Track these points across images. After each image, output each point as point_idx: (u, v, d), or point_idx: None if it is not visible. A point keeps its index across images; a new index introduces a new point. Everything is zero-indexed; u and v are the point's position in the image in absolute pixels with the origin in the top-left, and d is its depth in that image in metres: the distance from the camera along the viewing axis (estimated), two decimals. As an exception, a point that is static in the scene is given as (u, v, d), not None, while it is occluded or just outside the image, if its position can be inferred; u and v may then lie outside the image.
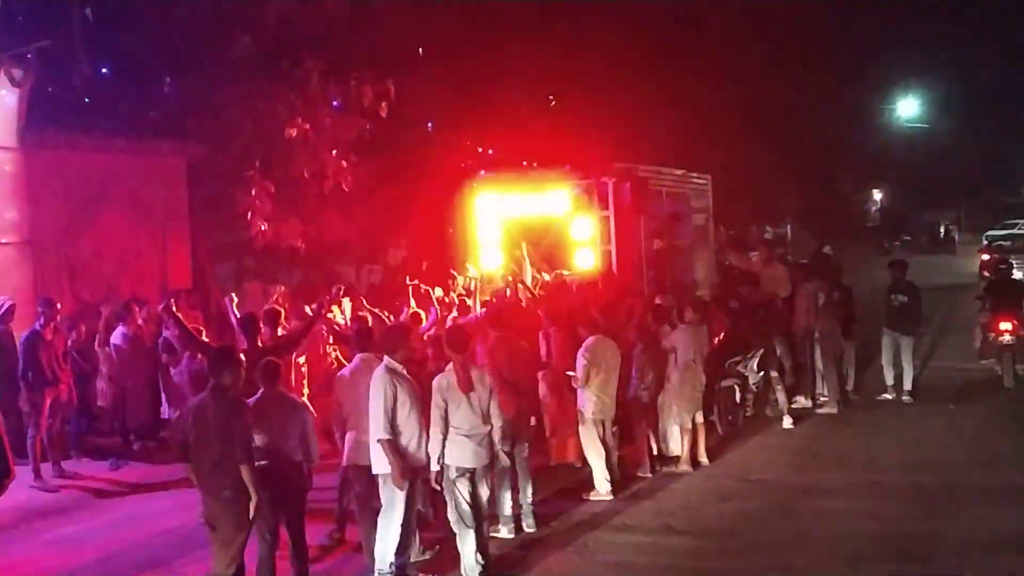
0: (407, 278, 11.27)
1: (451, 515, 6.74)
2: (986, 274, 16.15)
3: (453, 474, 6.62)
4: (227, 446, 5.90)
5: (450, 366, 6.81)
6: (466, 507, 6.64)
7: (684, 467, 9.47)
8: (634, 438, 9.45)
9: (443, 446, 6.60)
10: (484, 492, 6.85)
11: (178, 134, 13.99)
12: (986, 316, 13.17)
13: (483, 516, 6.88)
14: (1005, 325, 12.65)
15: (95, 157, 12.86)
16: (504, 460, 7.67)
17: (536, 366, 8.94)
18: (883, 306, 12.63)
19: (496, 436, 6.88)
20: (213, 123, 14.08)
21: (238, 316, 9.04)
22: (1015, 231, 44.22)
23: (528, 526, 7.85)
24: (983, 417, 11.30)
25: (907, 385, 12.19)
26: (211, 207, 14.80)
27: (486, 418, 6.75)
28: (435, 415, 6.62)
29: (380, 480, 6.66)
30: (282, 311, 9.54)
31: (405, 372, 6.71)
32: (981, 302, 13.73)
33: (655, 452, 9.60)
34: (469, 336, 7.27)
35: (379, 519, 6.67)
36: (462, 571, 6.69)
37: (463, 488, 6.65)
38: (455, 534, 6.75)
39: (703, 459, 9.60)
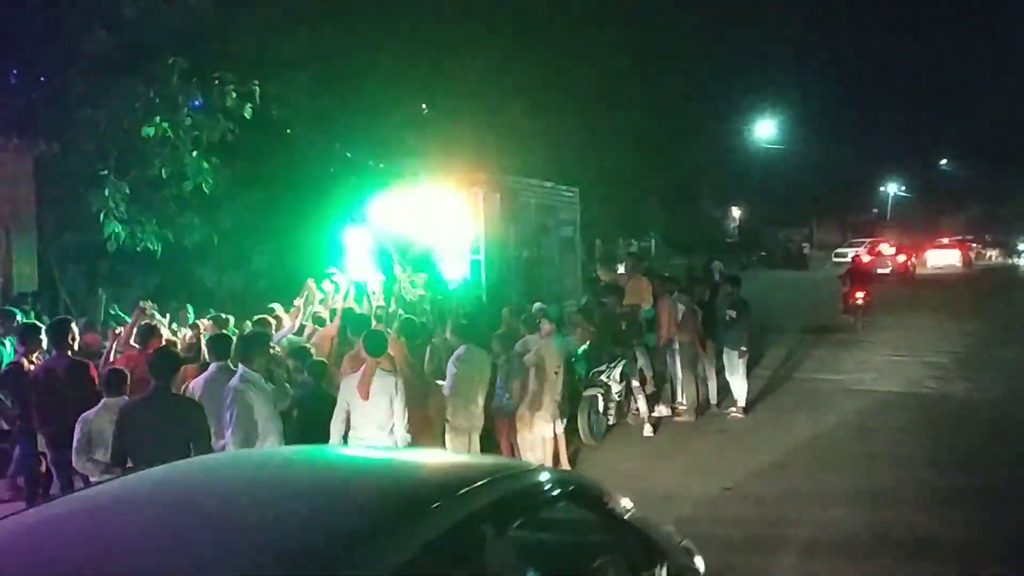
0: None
1: None
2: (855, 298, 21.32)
3: None
4: (179, 447, 5.67)
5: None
6: None
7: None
8: (498, 447, 9.53)
9: None
10: None
11: (25, 129, 13.29)
12: (846, 288, 21.34)
13: None
14: (859, 293, 20.94)
15: (-68, 150, 12.11)
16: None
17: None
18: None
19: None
20: (64, 119, 13.44)
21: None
22: (858, 251, 47.18)
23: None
24: (833, 424, 11.91)
25: (740, 401, 12.46)
26: (61, 207, 14.12)
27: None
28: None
29: None
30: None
31: (263, 382, 6.57)
32: (841, 280, 22.18)
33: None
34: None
35: None
36: None
37: None
38: None
39: (565, 467, 9.77)
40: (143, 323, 8.78)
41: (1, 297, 12.79)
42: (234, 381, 6.46)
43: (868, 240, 49.42)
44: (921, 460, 9.99)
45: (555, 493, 3.59)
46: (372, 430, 6.65)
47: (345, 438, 6.85)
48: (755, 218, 54.54)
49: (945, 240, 51.37)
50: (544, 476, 3.68)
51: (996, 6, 55.64)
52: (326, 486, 3.23)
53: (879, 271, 38.01)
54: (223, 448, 6.32)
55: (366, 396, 6.81)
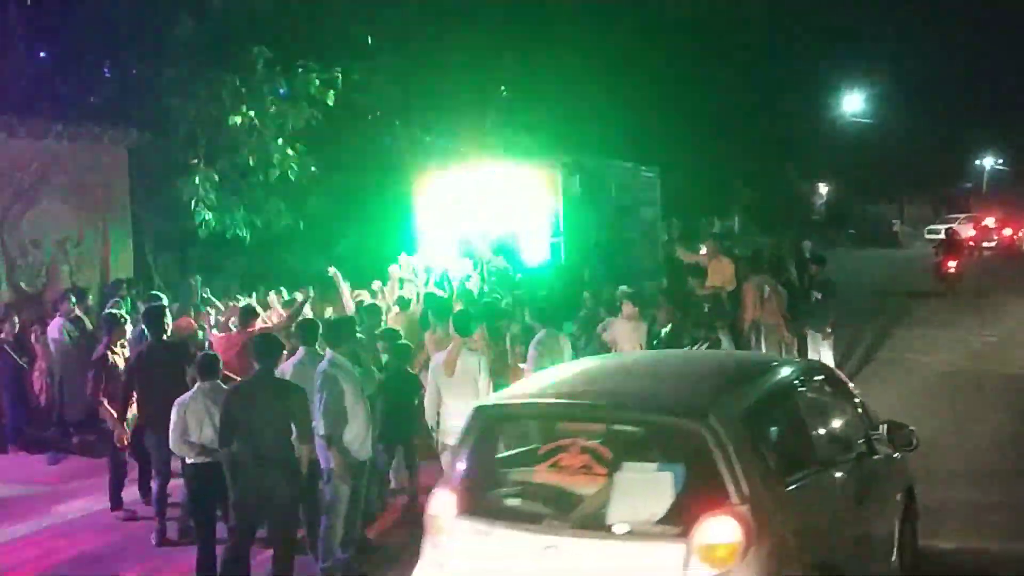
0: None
1: None
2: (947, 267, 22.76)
3: None
4: (283, 427, 5.92)
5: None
6: None
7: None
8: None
9: None
10: None
11: (119, 120, 13.74)
12: (940, 258, 22.89)
13: None
14: (951, 263, 22.41)
15: (33, 143, 12.57)
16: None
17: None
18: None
19: None
20: (155, 110, 13.87)
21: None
22: (953, 226, 45.73)
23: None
24: (923, 406, 11.51)
25: None
26: (153, 195, 14.57)
27: None
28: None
29: (324, 475, 6.62)
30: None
31: (350, 366, 6.68)
32: (935, 251, 24.04)
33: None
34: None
35: (325, 515, 6.62)
36: None
37: None
38: None
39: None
40: (244, 304, 9.04)
41: (100, 283, 13.26)
42: (323, 366, 6.57)
43: (962, 215, 47.69)
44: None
45: (817, 374, 6.12)
46: (459, 405, 6.73)
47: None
48: (843, 194, 53.07)
49: None
50: (810, 364, 7.24)
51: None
52: (706, 365, 6.08)
53: (985, 244, 40.49)
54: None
55: (451, 373, 7.08)
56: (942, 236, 29.20)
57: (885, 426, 5.67)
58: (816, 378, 5.94)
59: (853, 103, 47.31)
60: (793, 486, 4.53)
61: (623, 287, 10.86)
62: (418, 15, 17.37)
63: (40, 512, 8.36)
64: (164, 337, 7.92)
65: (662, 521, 4.27)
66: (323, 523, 6.60)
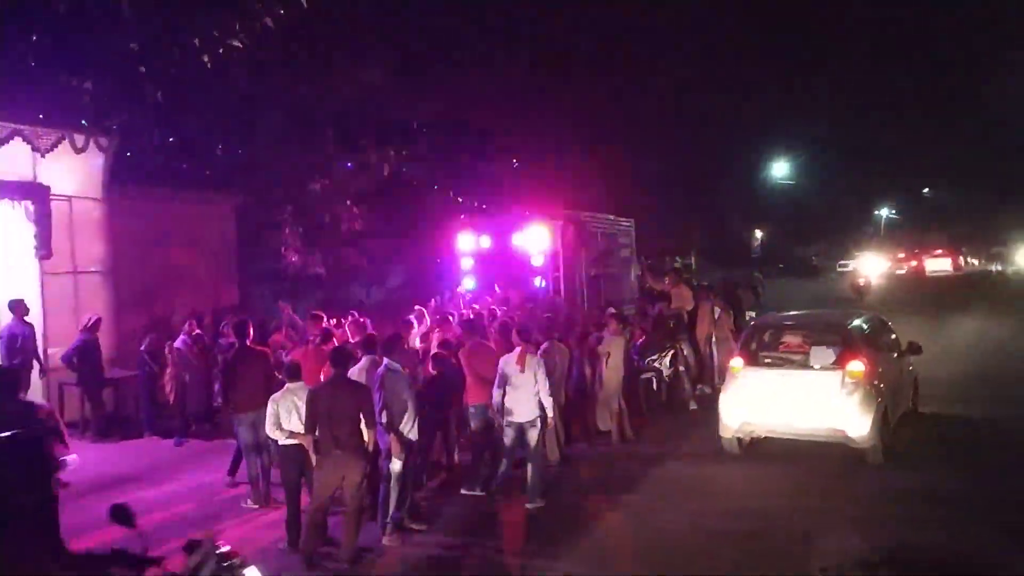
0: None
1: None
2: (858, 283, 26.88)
3: None
4: (353, 418, 5.96)
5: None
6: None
7: (614, 439, 9.56)
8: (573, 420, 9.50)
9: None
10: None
11: (227, 187, 13.93)
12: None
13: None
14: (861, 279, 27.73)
15: (163, 205, 12.76)
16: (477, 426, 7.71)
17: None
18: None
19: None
20: (254, 179, 14.07)
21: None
22: (856, 260, 46.56)
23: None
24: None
25: None
26: (253, 243, 14.74)
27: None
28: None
29: (383, 454, 6.66)
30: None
31: (401, 369, 6.72)
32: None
33: (593, 430, 9.68)
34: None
35: (383, 483, 6.62)
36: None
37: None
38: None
39: (628, 434, 9.70)
40: (322, 327, 9.07)
41: (212, 309, 13.38)
42: (381, 370, 6.61)
43: (864, 253, 48.42)
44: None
45: (879, 319, 9.46)
46: (525, 392, 7.23)
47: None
48: (775, 237, 53.06)
49: (939, 251, 53.51)
50: (876, 314, 9.96)
51: (975, 50, 53.03)
52: (840, 313, 10.22)
53: (897, 272, 46.18)
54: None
55: (523, 369, 7.24)
56: (849, 271, 35.30)
57: (908, 343, 9.42)
58: (879, 319, 9.67)
59: (780, 169, 47.49)
60: (879, 356, 8.50)
61: (609, 309, 10.88)
62: (448, 105, 17.57)
63: (167, 481, 8.43)
64: (248, 343, 7.92)
65: (832, 364, 8.15)
66: (382, 490, 6.63)
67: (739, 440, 8.57)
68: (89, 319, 10.35)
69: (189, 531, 4.06)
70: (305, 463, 6.39)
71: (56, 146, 10.71)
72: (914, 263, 50.20)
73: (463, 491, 7.65)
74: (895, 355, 9.17)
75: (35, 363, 10.11)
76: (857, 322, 8.91)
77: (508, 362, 7.37)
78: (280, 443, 6.63)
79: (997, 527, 6.29)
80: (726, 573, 5.77)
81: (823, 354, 8.21)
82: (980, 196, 54.83)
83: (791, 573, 5.69)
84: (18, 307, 9.95)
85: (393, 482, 6.55)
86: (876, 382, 8.08)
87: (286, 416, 6.54)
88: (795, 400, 8.11)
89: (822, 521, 6.58)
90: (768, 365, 8.48)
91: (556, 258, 13.68)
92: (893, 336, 9.58)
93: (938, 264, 50.00)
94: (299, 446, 6.37)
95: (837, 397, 7.91)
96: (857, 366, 7.96)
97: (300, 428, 6.33)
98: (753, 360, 8.58)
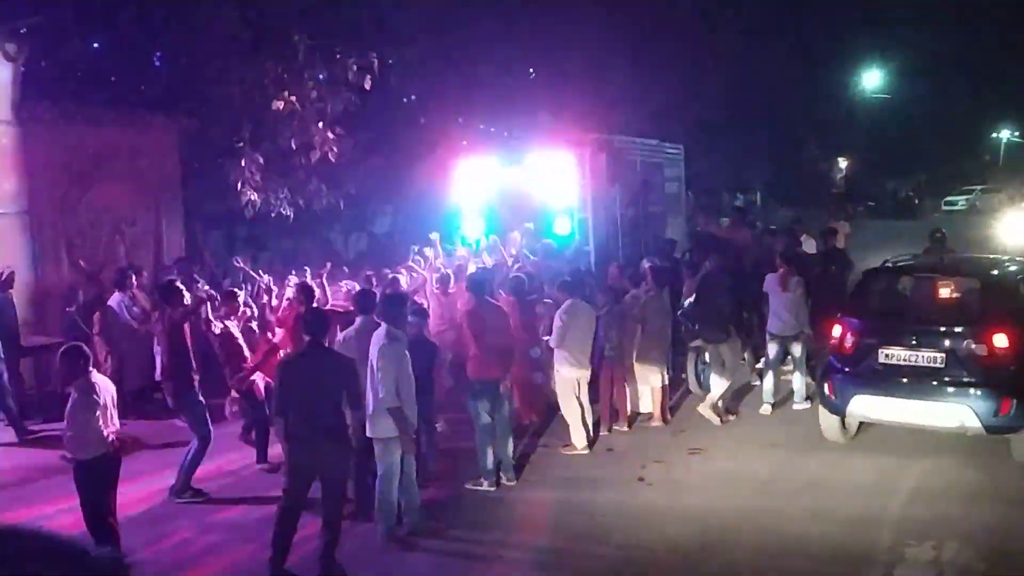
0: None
1: None
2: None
3: None
4: (333, 395, 5.98)
5: None
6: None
7: (656, 423, 9.60)
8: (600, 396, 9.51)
9: None
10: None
11: (169, 107, 13.83)
12: None
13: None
14: None
15: (89, 130, 12.70)
16: (484, 417, 7.77)
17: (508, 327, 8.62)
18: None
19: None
20: (203, 97, 13.94)
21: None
22: (970, 197, 45.34)
23: (508, 479, 7.96)
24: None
25: None
26: (202, 178, 14.69)
27: None
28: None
29: (380, 445, 6.59)
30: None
31: (402, 336, 6.72)
32: None
33: (629, 410, 9.70)
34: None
35: (378, 484, 6.65)
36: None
37: None
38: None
39: (667, 417, 9.73)
40: (301, 282, 9.18)
41: (154, 262, 13.44)
42: (381, 338, 6.55)
43: (979, 187, 46.93)
44: None
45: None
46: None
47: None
48: (863, 169, 52.25)
49: None
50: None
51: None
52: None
53: None
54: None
55: None
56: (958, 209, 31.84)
57: None
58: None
59: (872, 80, 46.46)
60: None
61: (646, 260, 10.81)
62: (450, 5, 17.27)
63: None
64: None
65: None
66: (377, 489, 6.64)
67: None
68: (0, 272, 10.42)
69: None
70: None
71: (-49, 55, 10.67)
72: None
73: (468, 486, 7.78)
74: None
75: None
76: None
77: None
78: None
79: None
80: None
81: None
82: None
83: None
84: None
85: (387, 481, 6.58)
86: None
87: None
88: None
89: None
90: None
91: (584, 194, 13.54)
92: None
93: None
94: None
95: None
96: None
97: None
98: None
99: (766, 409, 9.99)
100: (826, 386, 8.42)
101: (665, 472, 8.15)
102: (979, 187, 47.29)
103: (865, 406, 8.11)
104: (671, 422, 9.70)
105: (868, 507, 7.07)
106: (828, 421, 8.59)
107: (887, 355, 8.03)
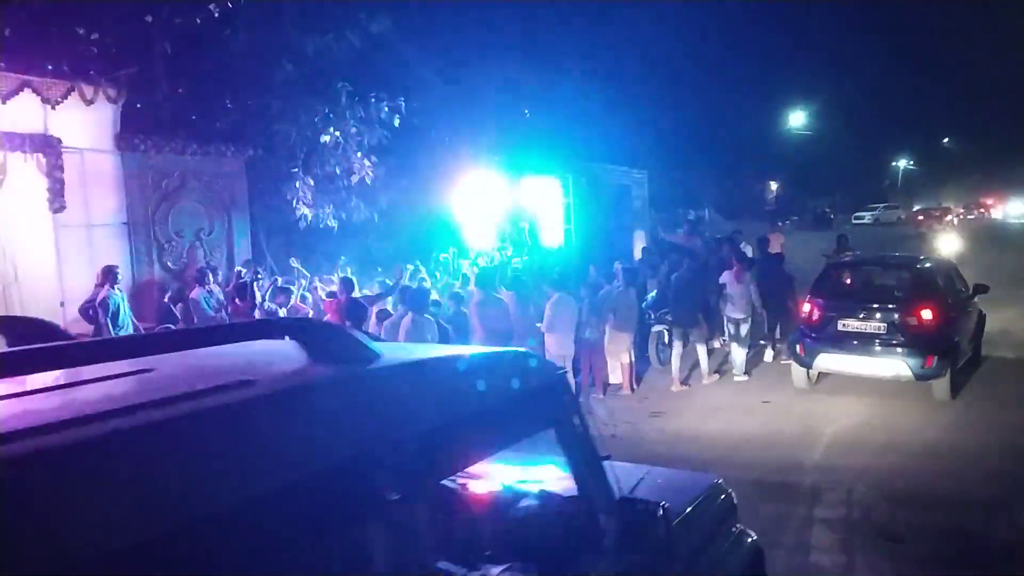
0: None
1: None
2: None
3: None
4: None
5: None
6: None
7: (624, 391, 9.62)
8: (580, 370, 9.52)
9: None
10: None
11: (238, 141, 13.81)
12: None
13: None
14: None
15: (175, 158, 12.65)
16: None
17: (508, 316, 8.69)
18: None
19: None
20: (266, 132, 13.94)
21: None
22: (874, 212, 45.68)
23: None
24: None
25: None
26: (265, 196, 14.67)
27: None
28: None
29: None
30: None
31: (431, 321, 6.75)
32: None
33: (606, 381, 9.73)
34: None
35: None
36: None
37: None
38: None
39: (633, 387, 9.75)
40: (343, 276, 9.16)
41: (226, 263, 13.41)
42: (408, 320, 6.56)
43: (882, 205, 47.34)
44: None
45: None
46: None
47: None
48: (789, 190, 52.27)
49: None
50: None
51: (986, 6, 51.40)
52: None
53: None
54: None
55: None
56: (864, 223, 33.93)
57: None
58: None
59: (797, 119, 46.60)
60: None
61: (618, 262, 10.81)
62: (461, 57, 17.24)
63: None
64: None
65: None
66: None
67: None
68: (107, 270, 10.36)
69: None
70: None
71: (66, 97, 10.63)
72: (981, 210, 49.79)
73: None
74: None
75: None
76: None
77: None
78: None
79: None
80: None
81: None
82: (997, 147, 53.73)
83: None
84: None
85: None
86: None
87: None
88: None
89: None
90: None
91: (568, 210, 13.53)
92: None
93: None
94: None
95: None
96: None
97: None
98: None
99: (742, 378, 9.97)
100: (798, 347, 8.97)
101: (632, 430, 8.17)
102: (882, 205, 47.56)
103: (827, 361, 8.75)
104: (636, 391, 9.72)
105: (794, 456, 7.09)
106: (798, 373, 9.13)
107: (844, 324, 8.71)
